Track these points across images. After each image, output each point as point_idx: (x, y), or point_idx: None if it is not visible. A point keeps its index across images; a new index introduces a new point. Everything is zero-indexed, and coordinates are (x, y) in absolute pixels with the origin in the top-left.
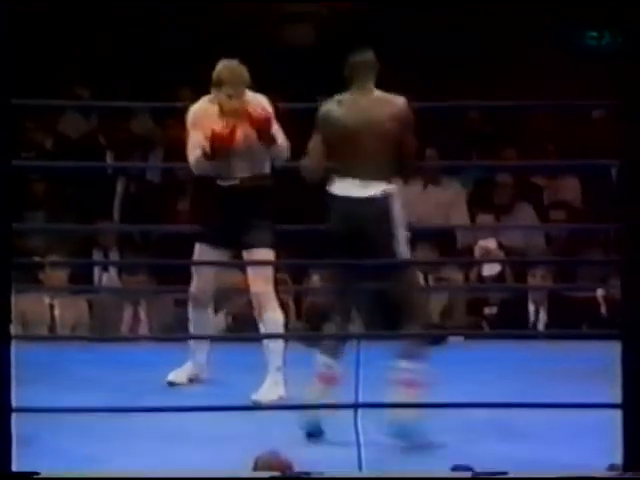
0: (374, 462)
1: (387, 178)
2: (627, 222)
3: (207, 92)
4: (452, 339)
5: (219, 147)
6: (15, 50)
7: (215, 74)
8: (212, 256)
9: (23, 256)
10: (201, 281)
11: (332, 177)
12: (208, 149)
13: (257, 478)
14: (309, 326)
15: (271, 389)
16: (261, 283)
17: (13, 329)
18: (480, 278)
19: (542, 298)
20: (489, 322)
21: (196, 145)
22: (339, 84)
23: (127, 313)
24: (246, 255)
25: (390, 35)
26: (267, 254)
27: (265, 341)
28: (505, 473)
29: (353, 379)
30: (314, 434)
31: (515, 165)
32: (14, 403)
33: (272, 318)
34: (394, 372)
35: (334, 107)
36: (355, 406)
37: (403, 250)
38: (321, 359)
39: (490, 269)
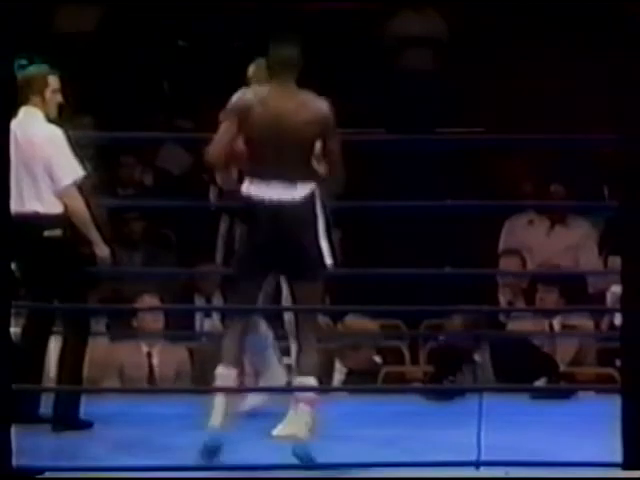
0: None
1: (309, 180)
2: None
3: None
4: (582, 393)
5: None
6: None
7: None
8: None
9: (118, 301)
10: None
11: (248, 177)
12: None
13: (257, 478)
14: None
15: (292, 424)
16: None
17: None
18: (613, 327)
19: None
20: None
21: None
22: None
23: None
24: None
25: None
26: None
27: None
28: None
29: None
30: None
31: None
32: None
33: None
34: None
35: (254, 102)
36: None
37: (326, 251)
38: None
39: None
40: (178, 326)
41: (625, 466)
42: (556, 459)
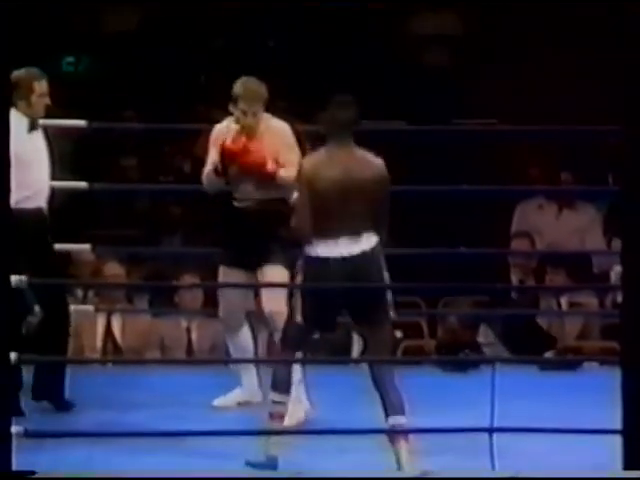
0: None
1: (371, 232)
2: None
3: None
4: (586, 364)
5: (229, 163)
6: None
7: (233, 90)
8: (232, 277)
9: (160, 279)
10: (226, 303)
11: (315, 237)
12: (219, 164)
13: (257, 478)
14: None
15: (296, 410)
16: (275, 303)
17: (152, 352)
18: (616, 304)
19: None
20: None
21: (210, 161)
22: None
23: (262, 336)
24: (259, 275)
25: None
26: (279, 272)
27: None
28: None
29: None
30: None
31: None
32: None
33: None
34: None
35: (319, 165)
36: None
37: (390, 302)
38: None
39: None
40: (215, 303)
41: (624, 435)
42: (562, 426)
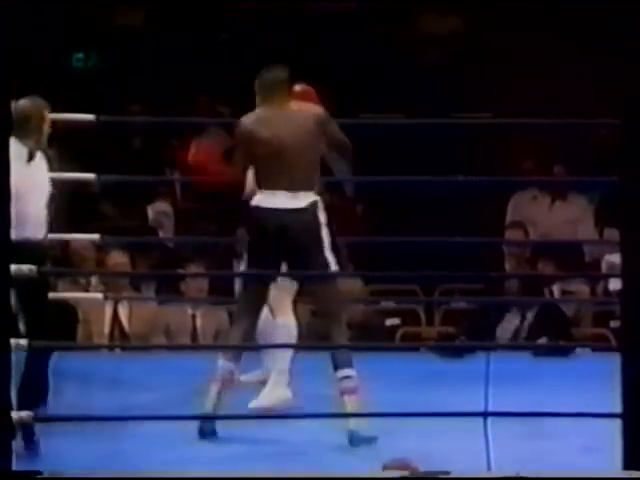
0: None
1: (313, 189)
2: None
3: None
4: (579, 350)
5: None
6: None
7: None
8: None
9: (165, 268)
10: None
11: (257, 190)
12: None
13: (257, 477)
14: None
15: (271, 393)
16: (280, 288)
17: (158, 338)
18: (607, 292)
19: None
20: (615, 335)
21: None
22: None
23: None
24: None
25: None
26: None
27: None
28: None
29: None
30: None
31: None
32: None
33: (283, 322)
34: (339, 382)
35: (255, 125)
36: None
37: (330, 259)
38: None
39: (616, 284)
40: (219, 291)
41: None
42: (556, 410)
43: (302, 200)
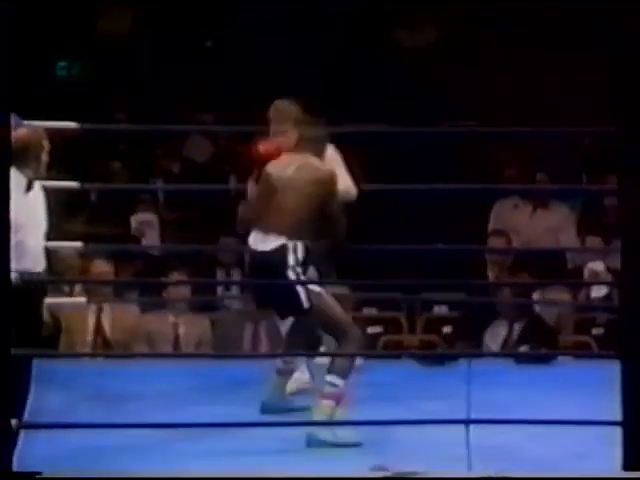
0: None
1: (288, 234)
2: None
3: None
4: (561, 358)
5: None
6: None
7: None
8: None
9: (149, 276)
10: None
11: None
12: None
13: (259, 478)
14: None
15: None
16: None
17: (139, 347)
18: (588, 300)
19: None
20: (597, 342)
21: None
22: None
23: (248, 332)
24: None
25: None
26: None
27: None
28: None
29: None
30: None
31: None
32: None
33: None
34: (324, 385)
35: (272, 168)
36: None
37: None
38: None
39: (598, 291)
40: (202, 299)
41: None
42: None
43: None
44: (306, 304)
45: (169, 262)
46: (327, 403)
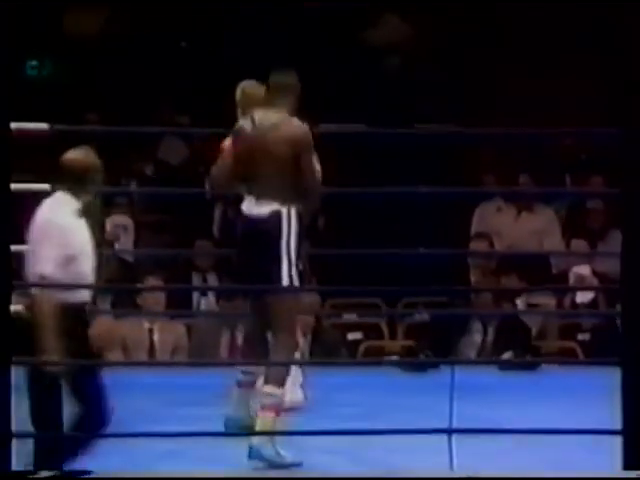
0: None
1: (280, 198)
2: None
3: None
4: (545, 365)
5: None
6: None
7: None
8: None
9: (123, 281)
10: None
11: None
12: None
13: (256, 478)
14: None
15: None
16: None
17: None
18: (574, 304)
19: None
20: (582, 348)
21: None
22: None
23: (225, 338)
24: None
25: None
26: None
27: None
28: None
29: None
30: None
31: (607, 192)
32: None
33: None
34: (261, 397)
35: (245, 124)
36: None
37: (285, 269)
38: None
39: (583, 296)
40: (177, 304)
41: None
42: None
43: (265, 208)
44: (286, 280)
45: (144, 267)
46: (268, 415)
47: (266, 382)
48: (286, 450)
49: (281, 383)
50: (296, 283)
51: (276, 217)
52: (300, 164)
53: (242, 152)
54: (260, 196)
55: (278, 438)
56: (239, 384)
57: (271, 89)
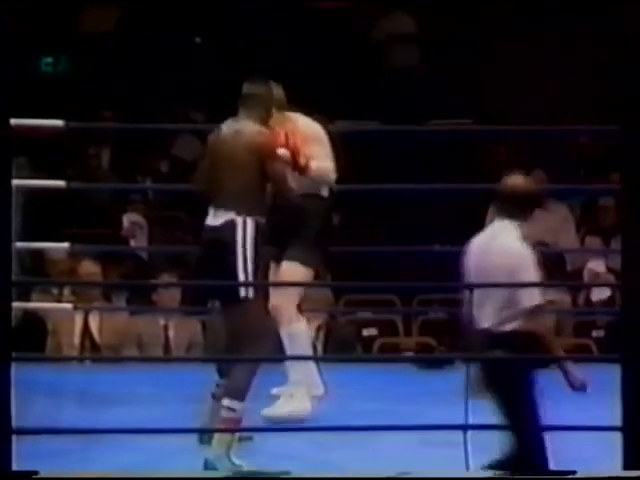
0: None
1: (237, 208)
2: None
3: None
4: None
5: None
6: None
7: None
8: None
9: (138, 278)
10: None
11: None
12: None
13: (255, 478)
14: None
15: (284, 404)
16: (279, 296)
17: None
18: (588, 301)
19: None
20: (597, 345)
21: None
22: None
23: None
24: (273, 268)
25: None
26: (293, 268)
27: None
28: None
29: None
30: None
31: (617, 189)
32: None
33: (288, 332)
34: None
35: (216, 134)
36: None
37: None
38: None
39: (599, 293)
40: (192, 301)
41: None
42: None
43: (220, 218)
44: (243, 292)
45: (159, 264)
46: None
47: (226, 395)
48: (244, 458)
49: (241, 398)
50: (252, 296)
51: (230, 227)
52: (266, 171)
53: (208, 159)
54: (219, 205)
55: (235, 447)
56: (213, 396)
57: (241, 98)
